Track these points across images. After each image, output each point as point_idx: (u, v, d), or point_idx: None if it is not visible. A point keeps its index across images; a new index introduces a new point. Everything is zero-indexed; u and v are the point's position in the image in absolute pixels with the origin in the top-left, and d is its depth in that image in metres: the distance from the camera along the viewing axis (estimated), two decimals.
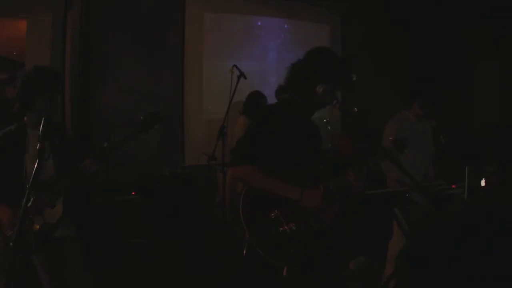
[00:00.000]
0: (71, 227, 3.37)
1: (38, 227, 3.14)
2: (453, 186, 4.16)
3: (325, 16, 8.79)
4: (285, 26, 8.37)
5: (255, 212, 2.68)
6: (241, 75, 6.20)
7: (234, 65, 6.24)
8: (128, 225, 6.02)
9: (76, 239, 3.42)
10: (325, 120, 7.31)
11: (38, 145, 2.57)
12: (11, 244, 2.46)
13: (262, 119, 2.96)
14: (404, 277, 4.22)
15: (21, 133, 3.34)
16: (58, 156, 3.27)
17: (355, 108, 2.81)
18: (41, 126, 2.62)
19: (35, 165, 2.53)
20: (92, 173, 3.19)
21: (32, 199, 2.54)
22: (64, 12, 6.77)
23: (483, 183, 3.81)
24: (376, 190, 4.28)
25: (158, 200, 6.40)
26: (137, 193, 6.30)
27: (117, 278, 5.22)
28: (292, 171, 2.81)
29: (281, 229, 2.65)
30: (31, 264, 3.33)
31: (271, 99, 6.85)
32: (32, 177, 2.51)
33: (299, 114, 2.96)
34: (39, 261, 3.30)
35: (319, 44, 7.87)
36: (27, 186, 2.48)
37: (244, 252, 2.71)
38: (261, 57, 8.14)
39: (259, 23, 8.17)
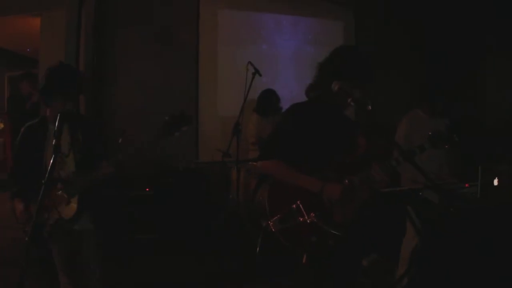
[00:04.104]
0: (89, 221, 3.41)
1: (52, 221, 3.20)
2: (466, 185, 4.15)
3: (339, 13, 8.77)
4: (299, 23, 8.36)
5: (280, 203, 2.78)
6: (256, 72, 6.21)
7: (249, 62, 6.24)
8: (141, 220, 6.05)
9: (93, 233, 3.45)
10: None
11: (54, 141, 2.59)
12: (26, 238, 2.49)
13: (290, 115, 3.05)
14: (416, 275, 4.22)
15: (43, 127, 3.34)
16: (78, 152, 3.31)
17: (369, 106, 2.80)
18: (56, 122, 2.64)
19: (51, 161, 2.55)
20: (108, 175, 3.24)
21: (44, 193, 2.56)
22: (78, 9, 6.81)
23: (496, 182, 3.79)
24: (390, 188, 4.27)
25: (171, 196, 6.42)
26: (151, 188, 6.32)
27: (128, 273, 5.24)
28: (319, 165, 2.88)
29: (301, 219, 2.74)
30: (47, 258, 3.38)
31: (284, 97, 6.86)
32: (47, 172, 2.53)
33: (327, 111, 2.99)
34: (57, 253, 3.34)
35: (332, 41, 7.94)
36: (43, 181, 2.50)
37: (258, 249, 2.76)
38: (275, 54, 8.14)
39: (273, 20, 8.16)
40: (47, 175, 2.53)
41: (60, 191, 3.19)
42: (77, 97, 3.40)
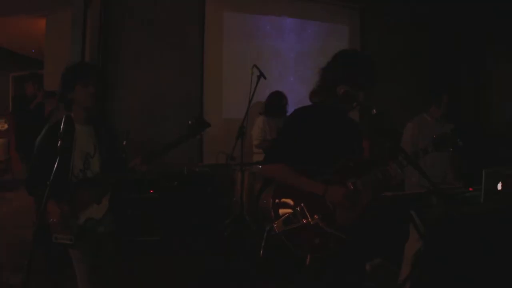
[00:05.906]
0: (112, 223, 3.40)
1: (81, 222, 3.18)
2: (470, 189, 4.15)
3: (345, 16, 8.78)
4: (305, 26, 8.37)
5: (284, 205, 2.81)
6: (261, 75, 6.22)
7: (254, 65, 6.26)
8: (145, 222, 6.05)
9: (113, 235, 3.44)
10: None
11: (59, 142, 2.60)
12: (31, 238, 2.49)
13: (294, 119, 3.06)
14: (419, 279, 4.22)
15: (70, 127, 3.17)
16: (103, 154, 3.31)
17: (374, 110, 2.81)
18: (62, 124, 2.65)
19: (56, 163, 2.56)
20: (140, 173, 3.25)
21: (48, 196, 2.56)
22: (84, 10, 6.82)
23: (499, 186, 3.78)
24: (394, 192, 4.27)
25: (176, 199, 6.42)
26: (155, 191, 6.32)
27: (132, 275, 5.24)
28: (322, 168, 2.89)
29: (305, 221, 2.76)
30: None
31: (289, 100, 6.85)
32: (53, 174, 2.54)
33: (331, 114, 3.01)
34: (81, 259, 3.30)
35: (338, 44, 7.94)
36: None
37: (261, 252, 2.77)
38: (280, 57, 8.15)
39: (278, 23, 8.18)
40: (51, 177, 2.54)
41: (91, 190, 3.19)
42: (91, 88, 3.32)
